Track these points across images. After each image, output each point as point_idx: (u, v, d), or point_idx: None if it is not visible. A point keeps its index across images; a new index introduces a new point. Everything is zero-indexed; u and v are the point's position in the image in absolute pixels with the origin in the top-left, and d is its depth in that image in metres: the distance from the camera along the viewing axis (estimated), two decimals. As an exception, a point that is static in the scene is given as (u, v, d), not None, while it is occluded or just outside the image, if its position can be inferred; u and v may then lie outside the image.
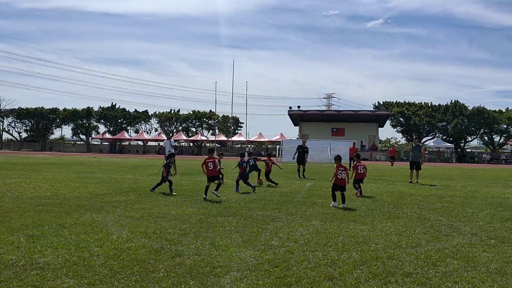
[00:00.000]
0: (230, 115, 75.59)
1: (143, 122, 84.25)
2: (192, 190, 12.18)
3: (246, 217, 7.86)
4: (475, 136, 70.95)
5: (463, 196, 12.31)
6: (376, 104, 75.85)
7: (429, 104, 72.22)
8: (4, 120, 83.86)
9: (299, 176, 18.78)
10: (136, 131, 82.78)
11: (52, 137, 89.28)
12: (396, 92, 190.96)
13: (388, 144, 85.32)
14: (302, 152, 19.46)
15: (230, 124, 75.72)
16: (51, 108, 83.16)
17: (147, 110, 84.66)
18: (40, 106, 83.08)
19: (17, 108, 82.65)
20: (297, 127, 67.55)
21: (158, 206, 8.90)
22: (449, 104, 69.97)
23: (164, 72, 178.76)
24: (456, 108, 67.61)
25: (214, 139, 72.97)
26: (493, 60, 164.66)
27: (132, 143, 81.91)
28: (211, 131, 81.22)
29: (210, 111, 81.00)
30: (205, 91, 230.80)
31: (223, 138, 75.29)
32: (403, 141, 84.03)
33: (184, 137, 75.91)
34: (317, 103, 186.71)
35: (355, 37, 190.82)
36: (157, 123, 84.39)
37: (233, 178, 13.99)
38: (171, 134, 71.84)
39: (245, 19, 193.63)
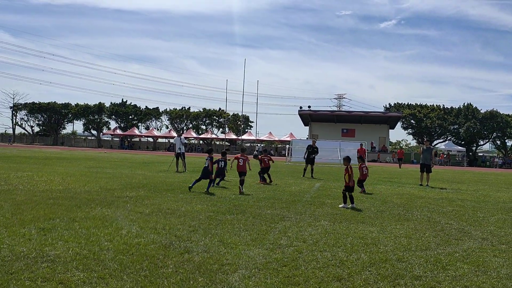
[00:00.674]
0: (240, 114, 75.73)
1: (153, 118, 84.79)
2: (201, 188, 12.21)
3: (255, 215, 7.87)
4: (487, 140, 70.16)
5: (474, 200, 12.19)
6: (387, 105, 75.33)
7: (441, 107, 71.57)
8: (17, 114, 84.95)
9: (304, 175, 18.84)
10: (147, 128, 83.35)
11: (64, 132, 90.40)
12: (407, 94, 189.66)
13: (398, 146, 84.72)
14: (311, 152, 19.44)
15: (240, 123, 75.81)
16: (63, 103, 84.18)
17: (158, 107, 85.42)
18: (53, 101, 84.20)
19: (30, 102, 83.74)
20: (307, 127, 67.42)
21: (168, 202, 8.95)
22: (461, 107, 69.25)
23: (175, 69, 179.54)
24: (469, 111, 66.89)
25: (224, 137, 73.15)
26: (507, 63, 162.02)
27: (142, 139, 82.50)
28: (221, 129, 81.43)
29: (220, 109, 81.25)
30: (216, 89, 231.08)
31: (233, 136, 75.40)
32: (413, 143, 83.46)
33: (194, 135, 76.23)
34: (328, 103, 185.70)
35: (367, 37, 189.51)
36: (167, 120, 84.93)
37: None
38: (181, 132, 72.13)
39: (257, 18, 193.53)
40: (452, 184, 18.42)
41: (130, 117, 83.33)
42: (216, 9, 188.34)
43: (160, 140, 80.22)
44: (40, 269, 4.25)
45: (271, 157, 16.12)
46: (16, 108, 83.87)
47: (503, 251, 5.88)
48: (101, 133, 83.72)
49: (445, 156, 59.66)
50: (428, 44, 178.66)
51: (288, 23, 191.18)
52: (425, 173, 16.82)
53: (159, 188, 11.60)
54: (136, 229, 6.22)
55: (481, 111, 66.63)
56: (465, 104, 69.04)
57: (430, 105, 72.17)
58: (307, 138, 58.57)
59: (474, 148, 69.46)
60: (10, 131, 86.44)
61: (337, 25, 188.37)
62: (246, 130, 80.00)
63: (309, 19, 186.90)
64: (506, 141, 69.14)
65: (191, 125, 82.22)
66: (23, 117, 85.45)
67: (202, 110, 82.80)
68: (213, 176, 12.50)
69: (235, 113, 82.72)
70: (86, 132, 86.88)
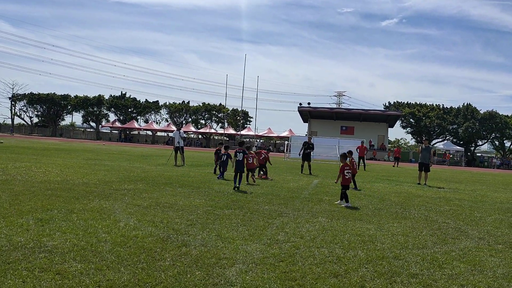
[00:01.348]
0: (239, 109, 75.70)
1: (153, 112, 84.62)
2: (199, 182, 12.23)
3: (253, 211, 7.88)
4: (486, 141, 70.25)
5: (471, 200, 12.22)
6: (387, 104, 75.32)
7: (441, 106, 71.59)
8: (16, 105, 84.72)
9: (302, 172, 18.92)
10: (146, 121, 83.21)
11: (63, 123, 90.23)
12: (407, 93, 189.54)
13: (397, 144, 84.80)
14: (307, 148, 19.51)
15: (240, 118, 75.74)
16: (62, 94, 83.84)
17: (157, 100, 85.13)
18: (52, 92, 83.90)
19: (29, 93, 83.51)
20: (307, 124, 67.39)
21: (166, 196, 8.96)
22: (461, 107, 69.29)
23: (176, 63, 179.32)
24: (468, 111, 66.93)
25: (223, 132, 73.10)
26: (507, 64, 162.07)
27: (141, 132, 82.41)
28: (220, 124, 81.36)
29: (220, 104, 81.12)
30: (215, 83, 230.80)
31: (232, 131, 75.38)
32: (412, 142, 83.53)
33: (193, 129, 76.17)
34: (328, 100, 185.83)
35: (368, 35, 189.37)
36: (167, 113, 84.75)
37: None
38: (180, 126, 72.05)
39: (258, 14, 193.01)
40: (450, 183, 18.45)
41: (130, 110, 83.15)
42: (218, 4, 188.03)
43: (159, 133, 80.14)
44: (37, 260, 4.25)
45: (269, 157, 16.07)
46: (15, 98, 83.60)
47: (500, 251, 5.91)
48: (100, 126, 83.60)
49: (451, 156, 59.76)
50: (429, 43, 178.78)
51: (288, 19, 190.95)
52: (423, 172, 16.85)
53: (157, 181, 11.60)
54: (134, 222, 6.23)
55: (480, 112, 66.68)
56: (465, 104, 69.09)
57: (430, 105, 72.17)
58: (305, 135, 58.53)
59: (472, 148, 69.55)
60: (8, 121, 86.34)
61: (338, 22, 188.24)
62: (245, 125, 79.92)
63: (310, 15, 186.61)
64: (505, 142, 69.28)
65: (190, 119, 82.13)
66: (22, 107, 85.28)
67: (201, 105, 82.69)
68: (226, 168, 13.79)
69: (235, 108, 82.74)
70: (85, 124, 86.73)
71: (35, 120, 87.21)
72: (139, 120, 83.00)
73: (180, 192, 9.83)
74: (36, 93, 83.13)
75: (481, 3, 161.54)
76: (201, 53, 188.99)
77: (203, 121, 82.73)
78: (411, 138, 77.98)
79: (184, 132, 52.20)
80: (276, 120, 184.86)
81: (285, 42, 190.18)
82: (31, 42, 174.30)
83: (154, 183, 11.14)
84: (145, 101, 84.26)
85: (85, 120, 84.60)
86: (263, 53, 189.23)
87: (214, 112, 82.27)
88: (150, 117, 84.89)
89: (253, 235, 5.88)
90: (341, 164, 9.93)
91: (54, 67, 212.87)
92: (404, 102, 74.48)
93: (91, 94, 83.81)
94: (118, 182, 10.96)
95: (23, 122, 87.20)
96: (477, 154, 71.71)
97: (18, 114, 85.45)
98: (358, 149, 27.50)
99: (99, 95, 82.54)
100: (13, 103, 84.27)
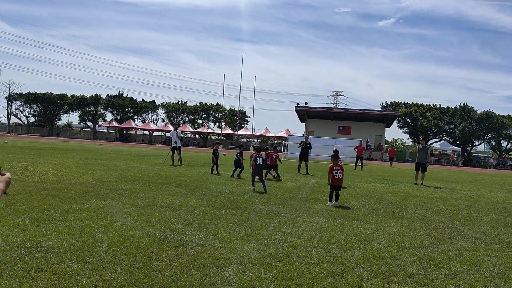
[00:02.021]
0: (237, 109, 75.66)
1: (150, 112, 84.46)
2: (197, 182, 12.21)
3: (250, 210, 7.87)
4: (482, 141, 70.49)
5: (468, 199, 12.25)
6: (384, 104, 75.48)
7: (438, 106, 71.79)
8: (13, 104, 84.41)
9: (299, 171, 18.93)
10: (143, 121, 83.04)
11: (59, 123, 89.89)
12: (404, 93, 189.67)
13: (393, 145, 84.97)
14: (305, 148, 19.51)
15: (237, 118, 75.71)
16: (59, 94, 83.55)
17: (154, 100, 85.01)
18: (49, 92, 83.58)
19: (25, 92, 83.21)
20: (304, 124, 67.42)
21: (163, 196, 8.94)
22: (457, 107, 69.50)
23: (173, 62, 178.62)
24: (465, 111, 67.13)
25: (220, 132, 73.05)
26: (504, 64, 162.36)
27: (138, 132, 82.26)
28: (217, 123, 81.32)
29: (217, 103, 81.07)
30: (213, 83, 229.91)
31: (229, 131, 75.34)
32: (409, 142, 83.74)
33: (190, 129, 76.09)
34: (325, 100, 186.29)
35: (365, 35, 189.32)
36: (164, 113, 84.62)
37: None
38: (177, 125, 71.95)
39: (256, 13, 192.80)
40: (446, 183, 18.50)
41: (126, 109, 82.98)
42: (216, 3, 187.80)
43: (156, 133, 80.00)
44: (34, 260, 4.23)
45: (279, 156, 16.08)
46: (11, 98, 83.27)
47: (496, 251, 5.93)
48: (97, 125, 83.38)
49: (455, 157, 59.91)
50: (426, 43, 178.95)
51: (286, 19, 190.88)
52: (420, 172, 16.89)
53: (154, 181, 11.58)
54: (130, 222, 6.21)
55: (477, 112, 66.89)
56: (462, 105, 69.30)
57: (427, 105, 72.35)
58: (302, 135, 58.56)
59: (469, 148, 69.78)
60: (5, 120, 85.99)
61: (335, 22, 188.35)
62: (243, 125, 79.92)
63: (307, 15, 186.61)
64: (501, 142, 69.50)
65: (187, 119, 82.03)
66: (18, 107, 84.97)
67: (198, 104, 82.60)
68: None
69: (232, 108, 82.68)
70: (81, 123, 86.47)
71: (32, 119, 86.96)
72: (136, 119, 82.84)
73: (177, 192, 9.82)
74: (33, 92, 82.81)
75: (478, 3, 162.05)
76: (199, 53, 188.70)
77: (200, 121, 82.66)
78: (408, 138, 78.28)
79: (181, 132, 52.12)
80: (274, 119, 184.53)
81: (283, 42, 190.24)
82: (28, 42, 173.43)
83: (151, 183, 11.12)
84: (142, 101, 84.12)
85: (82, 119, 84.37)
86: (261, 53, 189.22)
87: (211, 112, 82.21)
88: (147, 116, 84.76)
89: (250, 235, 5.87)
90: (330, 164, 9.83)
91: (51, 67, 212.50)
92: (401, 102, 74.69)
93: (88, 93, 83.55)
94: (115, 182, 10.93)
95: (19, 121, 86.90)
96: (474, 154, 71.95)
97: (15, 113, 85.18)
98: (356, 149, 27.59)
99: (96, 94, 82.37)
100: (9, 102, 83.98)
